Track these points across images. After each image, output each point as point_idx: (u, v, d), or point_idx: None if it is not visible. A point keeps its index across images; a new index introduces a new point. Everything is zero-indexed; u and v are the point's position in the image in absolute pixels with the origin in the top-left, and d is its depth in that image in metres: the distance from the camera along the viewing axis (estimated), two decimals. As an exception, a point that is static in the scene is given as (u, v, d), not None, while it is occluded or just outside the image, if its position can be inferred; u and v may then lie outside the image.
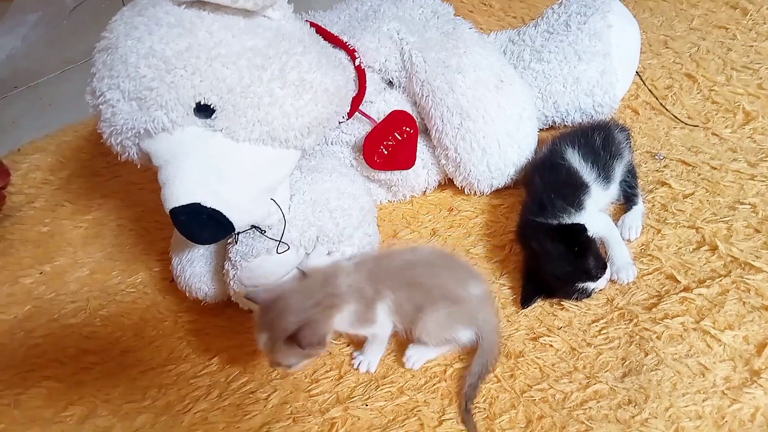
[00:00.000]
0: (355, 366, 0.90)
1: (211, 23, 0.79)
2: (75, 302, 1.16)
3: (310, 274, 0.86)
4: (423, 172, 1.10)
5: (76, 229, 1.33)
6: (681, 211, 0.97)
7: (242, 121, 0.81)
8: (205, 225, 0.81)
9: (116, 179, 1.43)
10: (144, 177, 1.41)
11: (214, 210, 0.80)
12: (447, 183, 1.14)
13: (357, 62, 0.99)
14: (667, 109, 1.14)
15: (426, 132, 1.09)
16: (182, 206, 0.79)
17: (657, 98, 1.16)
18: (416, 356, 0.88)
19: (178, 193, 0.79)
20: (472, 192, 1.09)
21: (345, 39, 1.01)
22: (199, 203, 0.79)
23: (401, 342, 0.90)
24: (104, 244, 1.27)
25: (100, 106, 0.82)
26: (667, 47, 1.28)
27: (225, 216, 0.81)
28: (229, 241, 0.92)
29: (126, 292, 1.15)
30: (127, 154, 0.86)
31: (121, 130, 0.82)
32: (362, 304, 0.83)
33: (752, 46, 1.23)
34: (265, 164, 0.85)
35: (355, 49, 1.00)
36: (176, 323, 1.07)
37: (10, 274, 1.26)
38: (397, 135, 1.03)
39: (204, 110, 0.80)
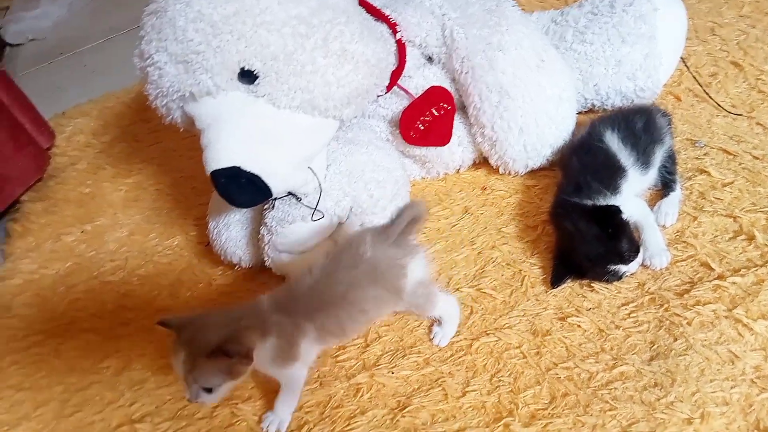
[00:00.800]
0: (264, 428, 0.85)
1: (259, -11, 0.80)
2: (114, 261, 1.20)
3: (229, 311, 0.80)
4: (458, 150, 1.10)
5: (117, 192, 1.36)
6: (719, 199, 0.96)
7: (284, 89, 0.82)
8: (244, 188, 0.83)
9: (156, 145, 1.47)
10: (183, 144, 1.44)
11: (253, 174, 0.82)
12: (481, 162, 1.14)
13: (398, 36, 1.00)
14: (710, 97, 1.12)
15: (463, 109, 1.09)
16: (223, 169, 0.81)
17: (701, 85, 1.14)
18: (441, 333, 0.89)
19: (219, 156, 0.81)
20: (507, 171, 1.09)
21: (387, 12, 1.01)
22: (239, 167, 0.81)
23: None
24: (143, 207, 1.31)
25: (148, 68, 0.84)
26: (714, 34, 1.26)
27: (263, 181, 0.83)
28: (265, 206, 0.94)
29: (163, 254, 1.18)
30: (171, 116, 0.88)
31: (167, 92, 0.84)
32: (284, 340, 0.78)
33: (804, 35, 1.20)
34: (305, 132, 0.87)
35: (397, 23, 1.01)
36: (210, 286, 1.09)
37: (53, 231, 1.31)
38: (434, 111, 1.04)
39: (248, 76, 0.82)
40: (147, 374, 0.98)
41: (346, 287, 0.78)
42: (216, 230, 1.03)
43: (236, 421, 0.88)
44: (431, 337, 0.89)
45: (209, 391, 0.74)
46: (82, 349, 1.05)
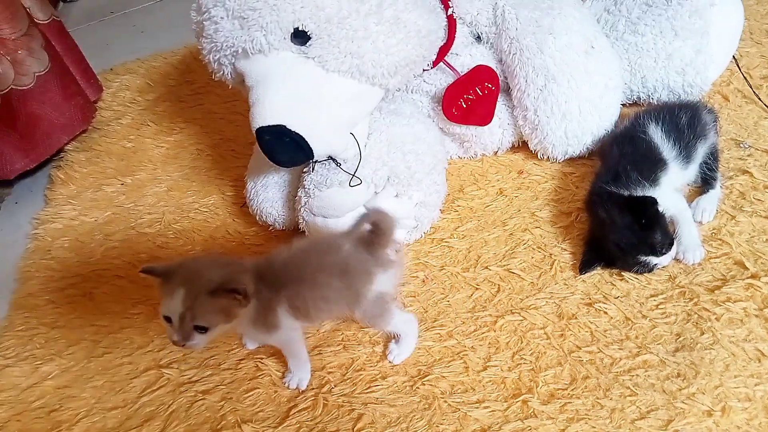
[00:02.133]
0: (286, 383, 0.88)
1: (318, -49, 0.82)
2: (151, 214, 1.24)
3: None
4: (498, 131, 1.10)
5: (158, 148, 1.40)
6: (759, 200, 0.95)
7: (335, 52, 0.83)
8: (287, 147, 0.85)
9: (198, 107, 1.49)
10: (224, 108, 1.47)
11: (297, 134, 0.83)
12: (520, 146, 1.14)
13: (450, 11, 1.00)
14: (759, 99, 1.11)
15: (507, 92, 1.09)
16: (268, 126, 0.83)
17: (751, 86, 1.13)
18: (396, 350, 0.88)
19: (266, 113, 0.83)
20: (545, 157, 1.09)
21: (440, -13, 1.01)
22: (285, 126, 0.83)
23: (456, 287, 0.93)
24: (182, 165, 1.34)
25: (204, 22, 0.86)
26: (769, 37, 1.24)
27: (306, 142, 0.84)
28: (305, 169, 0.96)
29: (199, 211, 1.21)
30: (222, 72, 0.90)
31: (221, 47, 0.85)
32: (262, 305, 0.78)
33: None
34: (350, 98, 0.88)
35: (450, -2, 1.01)
36: (243, 245, 1.12)
37: (95, 181, 1.35)
38: (478, 90, 1.04)
39: (301, 36, 0.83)
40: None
41: (315, 269, 0.80)
42: (254, 190, 1.06)
43: (260, 375, 0.90)
44: (387, 352, 0.89)
45: (202, 331, 0.73)
46: (116, 295, 1.09)
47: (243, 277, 0.76)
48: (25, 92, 1.28)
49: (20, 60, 1.26)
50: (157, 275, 0.75)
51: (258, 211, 1.06)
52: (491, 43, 1.07)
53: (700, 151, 0.96)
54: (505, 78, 1.07)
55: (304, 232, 1.01)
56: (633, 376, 0.79)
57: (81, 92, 1.41)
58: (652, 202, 0.87)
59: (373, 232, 0.81)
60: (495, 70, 1.05)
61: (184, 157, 1.36)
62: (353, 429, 0.81)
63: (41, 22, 1.33)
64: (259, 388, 0.89)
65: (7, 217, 1.35)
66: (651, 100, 1.12)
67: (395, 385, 0.85)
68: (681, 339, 0.81)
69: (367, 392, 0.85)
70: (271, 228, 1.09)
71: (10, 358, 1.02)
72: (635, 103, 1.15)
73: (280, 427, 0.83)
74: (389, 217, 0.81)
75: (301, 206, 0.96)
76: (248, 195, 1.08)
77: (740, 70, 1.15)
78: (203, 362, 0.94)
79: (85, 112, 1.42)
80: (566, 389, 0.79)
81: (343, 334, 0.93)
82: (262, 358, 0.92)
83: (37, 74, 1.29)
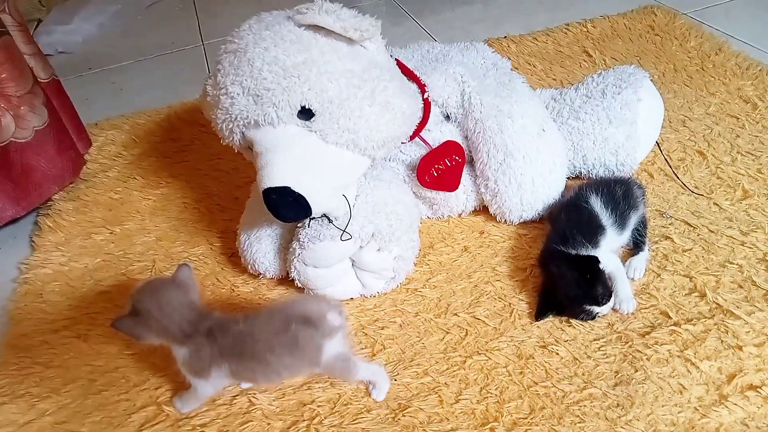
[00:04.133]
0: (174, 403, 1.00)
1: (324, 45, 0.97)
2: (141, 261, 1.32)
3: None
4: (463, 197, 1.27)
5: (145, 201, 1.48)
6: (679, 261, 1.14)
7: (334, 127, 0.98)
8: (290, 206, 0.97)
9: (183, 163, 1.60)
10: (208, 165, 1.57)
11: (299, 195, 0.96)
12: (481, 210, 1.30)
13: (425, 95, 1.17)
14: (678, 177, 1.32)
15: (471, 163, 1.26)
16: (275, 187, 0.96)
17: (671, 167, 1.34)
18: (376, 392, 0.98)
19: (274, 176, 0.96)
20: (503, 220, 1.26)
21: (418, 75, 1.19)
22: (289, 187, 0.96)
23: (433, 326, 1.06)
24: (170, 217, 1.43)
25: (221, 96, 0.99)
26: (684, 126, 1.47)
27: (307, 201, 0.97)
28: (299, 225, 1.09)
29: (188, 260, 1.30)
30: (232, 138, 1.03)
31: (235, 118, 0.98)
32: (197, 358, 0.90)
33: (757, 136, 1.42)
34: (345, 165, 1.02)
35: (426, 84, 1.19)
36: (233, 292, 1.22)
37: (83, 230, 1.42)
38: (447, 161, 1.20)
39: (306, 113, 0.97)
40: (170, 362, 1.09)
41: (265, 349, 0.88)
42: (247, 242, 1.17)
43: (253, 409, 0.99)
44: (370, 391, 0.99)
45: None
46: (109, 336, 1.15)
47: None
48: (23, 144, 1.37)
49: (22, 115, 1.35)
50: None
51: (251, 261, 1.17)
52: (459, 122, 1.24)
53: (633, 220, 1.14)
54: (470, 152, 1.24)
55: (293, 280, 1.13)
56: (581, 406, 0.93)
57: (73, 146, 1.49)
58: (595, 260, 1.04)
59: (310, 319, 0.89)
60: (461, 144, 1.22)
61: (171, 209, 1.45)
62: (343, 455, 0.92)
63: (43, 80, 1.43)
64: (252, 420, 0.97)
65: (-9, 262, 1.40)
66: (591, 175, 1.31)
67: (379, 417, 0.96)
68: (619, 375, 0.97)
69: (355, 423, 0.95)
70: (261, 276, 1.20)
71: (6, 395, 1.06)
72: (578, 177, 1.34)
73: (275, 456, 0.93)
74: (318, 301, 0.92)
75: (295, 257, 1.08)
76: (241, 246, 1.19)
77: (662, 152, 1.37)
78: (200, 399, 1.02)
79: (76, 165, 1.50)
80: (526, 418, 0.93)
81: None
82: (254, 394, 1.01)
83: (36, 128, 1.38)
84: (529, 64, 1.80)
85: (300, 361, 0.91)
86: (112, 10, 2.56)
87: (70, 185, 1.54)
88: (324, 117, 0.98)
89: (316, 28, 0.97)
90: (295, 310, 0.90)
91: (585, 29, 1.93)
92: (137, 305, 0.91)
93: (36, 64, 1.42)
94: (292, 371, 0.93)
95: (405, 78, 1.14)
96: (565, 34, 1.93)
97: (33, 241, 1.41)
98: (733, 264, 1.12)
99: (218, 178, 1.53)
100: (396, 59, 1.14)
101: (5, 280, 1.33)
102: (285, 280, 1.19)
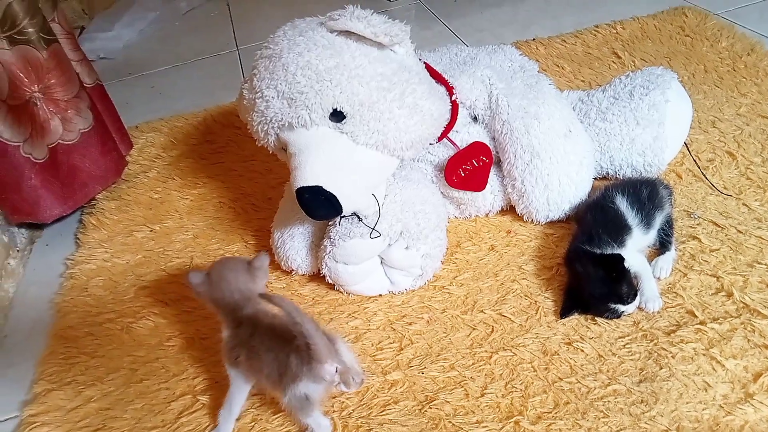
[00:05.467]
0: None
1: (355, 50, 1.01)
2: (180, 258, 1.38)
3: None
4: (490, 197, 1.29)
5: (183, 200, 1.55)
6: (706, 261, 1.14)
7: (365, 129, 1.02)
8: (322, 204, 1.01)
9: (219, 164, 1.66)
10: (243, 166, 1.63)
11: (331, 194, 1.00)
12: (508, 210, 1.33)
13: (453, 97, 1.20)
14: (706, 178, 1.32)
15: (498, 163, 1.28)
16: (308, 186, 1.00)
17: (699, 168, 1.34)
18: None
19: (307, 176, 1.00)
20: (530, 220, 1.28)
21: (446, 77, 1.22)
22: (322, 186, 1.00)
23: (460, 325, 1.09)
24: (206, 215, 1.49)
25: (256, 100, 1.03)
26: (714, 126, 1.47)
27: (338, 200, 1.01)
28: (330, 223, 1.13)
29: (224, 257, 1.36)
30: (266, 140, 1.07)
31: (270, 120, 1.03)
32: (229, 343, 0.96)
33: (789, 137, 1.41)
34: (374, 166, 1.06)
35: (453, 86, 1.22)
36: (266, 288, 1.26)
37: (125, 228, 1.49)
38: (474, 162, 1.23)
39: (337, 115, 1.01)
40: (207, 354, 1.14)
41: (268, 349, 0.92)
42: (281, 240, 1.22)
43: (286, 400, 1.04)
44: None
45: None
46: (150, 329, 1.21)
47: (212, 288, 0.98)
48: (70, 146, 1.44)
49: (69, 118, 1.42)
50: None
51: (284, 258, 1.21)
52: (486, 124, 1.27)
53: (658, 219, 1.15)
54: (497, 153, 1.27)
55: (324, 276, 1.17)
56: (605, 402, 0.95)
57: (116, 148, 1.56)
58: (620, 259, 1.05)
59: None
60: (489, 145, 1.25)
61: (207, 208, 1.51)
62: (371, 445, 0.95)
63: (88, 85, 1.50)
64: (283, 411, 1.02)
65: (39, 258, 1.48)
66: (617, 176, 1.32)
67: (406, 409, 0.99)
68: (644, 372, 0.98)
69: (382, 415, 0.99)
70: (293, 273, 1.24)
71: (54, 382, 1.13)
72: (604, 177, 1.35)
73: (307, 444, 0.97)
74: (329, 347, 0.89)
75: (326, 254, 1.12)
76: (275, 244, 1.23)
77: (690, 153, 1.38)
78: (235, 389, 1.07)
79: (118, 166, 1.58)
80: (551, 412, 0.95)
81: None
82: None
83: (81, 131, 1.45)
84: (558, 66, 1.82)
85: (274, 379, 0.92)
86: (151, 17, 2.66)
87: (113, 185, 1.61)
88: (355, 119, 1.01)
89: (348, 33, 1.01)
90: (305, 338, 0.88)
91: (614, 31, 1.94)
92: (210, 270, 1.00)
93: (82, 70, 1.49)
94: (269, 377, 0.93)
95: (433, 81, 1.17)
96: (594, 35, 1.93)
97: (78, 239, 1.49)
98: (762, 264, 1.12)
99: (253, 179, 1.58)
100: (425, 62, 1.18)
101: (53, 275, 1.41)
102: (316, 276, 1.23)
